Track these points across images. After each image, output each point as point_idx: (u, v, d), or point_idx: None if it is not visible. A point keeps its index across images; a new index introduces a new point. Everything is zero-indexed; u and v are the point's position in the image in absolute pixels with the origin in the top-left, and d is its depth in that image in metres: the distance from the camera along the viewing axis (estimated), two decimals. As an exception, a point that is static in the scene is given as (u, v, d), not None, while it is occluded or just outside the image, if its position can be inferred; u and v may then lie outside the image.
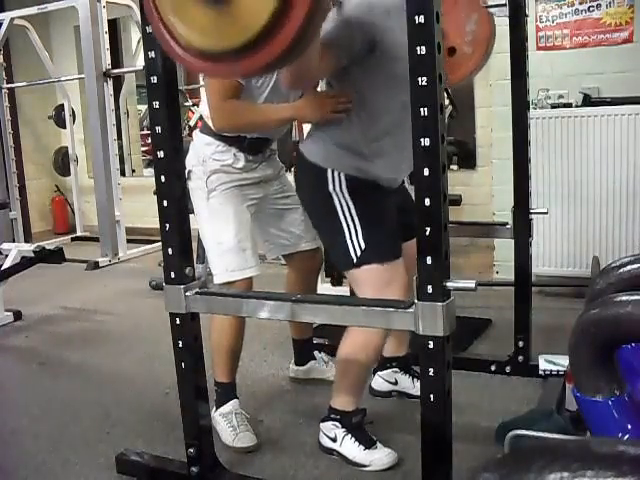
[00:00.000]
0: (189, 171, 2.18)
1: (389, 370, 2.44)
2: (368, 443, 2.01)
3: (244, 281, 2.15)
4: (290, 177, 2.47)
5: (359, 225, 1.90)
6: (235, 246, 2.14)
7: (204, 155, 2.18)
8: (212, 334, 2.19)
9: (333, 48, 1.74)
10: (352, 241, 1.89)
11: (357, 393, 2.05)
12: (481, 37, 2.49)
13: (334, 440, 2.04)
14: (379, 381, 2.46)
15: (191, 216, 1.82)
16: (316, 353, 2.65)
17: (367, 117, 1.89)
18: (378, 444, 2.02)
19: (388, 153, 1.93)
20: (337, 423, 2.04)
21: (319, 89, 2.17)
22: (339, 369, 2.05)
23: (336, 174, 1.91)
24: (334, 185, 1.91)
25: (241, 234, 2.16)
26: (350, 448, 2.01)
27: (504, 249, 3.50)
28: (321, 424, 2.09)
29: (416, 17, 1.28)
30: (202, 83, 7.92)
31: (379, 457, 1.99)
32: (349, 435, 2.02)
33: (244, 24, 1.27)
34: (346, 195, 1.91)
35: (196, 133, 2.27)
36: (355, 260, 1.89)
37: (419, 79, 1.31)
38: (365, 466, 1.98)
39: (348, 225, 1.90)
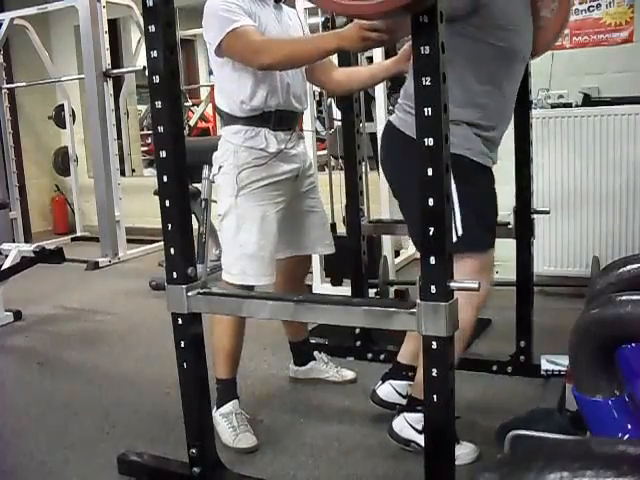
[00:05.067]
0: (219, 167, 2.15)
1: (405, 382, 2.19)
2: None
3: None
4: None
5: (458, 210, 1.77)
6: (255, 252, 2.12)
7: (235, 146, 2.12)
8: (212, 332, 2.19)
9: None
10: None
11: None
12: None
13: (421, 432, 1.87)
14: (387, 390, 2.22)
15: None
16: (316, 353, 2.65)
17: (463, 84, 1.80)
18: (461, 440, 1.95)
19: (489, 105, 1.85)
20: None
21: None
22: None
23: None
24: None
25: (263, 241, 2.13)
26: None
27: (505, 249, 3.49)
28: (406, 414, 2.01)
29: (420, 17, 1.29)
30: (202, 83, 8.00)
31: (465, 452, 1.95)
32: None
33: None
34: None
35: (221, 129, 2.22)
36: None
37: (423, 79, 1.31)
38: None
39: None
